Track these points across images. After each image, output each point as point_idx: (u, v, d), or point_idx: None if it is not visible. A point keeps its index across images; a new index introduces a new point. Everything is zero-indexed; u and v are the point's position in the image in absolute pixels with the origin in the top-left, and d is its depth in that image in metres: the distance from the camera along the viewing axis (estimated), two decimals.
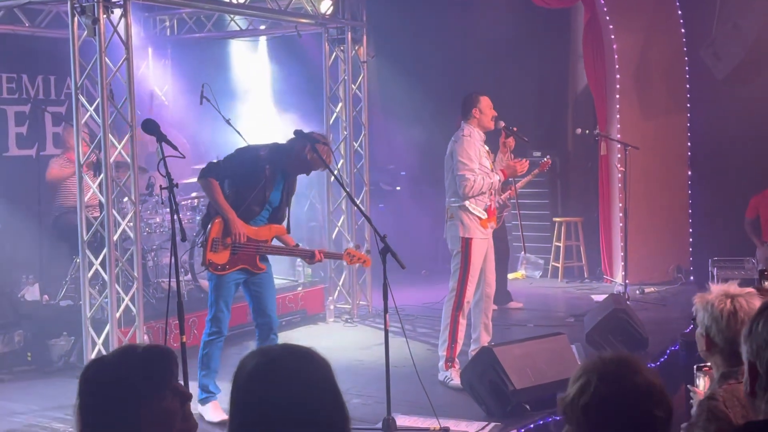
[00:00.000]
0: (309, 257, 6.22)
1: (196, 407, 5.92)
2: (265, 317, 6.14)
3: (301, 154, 6.07)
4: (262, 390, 2.08)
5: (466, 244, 6.82)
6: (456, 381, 6.59)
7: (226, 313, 6.08)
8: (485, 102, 6.97)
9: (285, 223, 6.26)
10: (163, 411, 2.27)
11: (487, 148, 7.05)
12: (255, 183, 6.02)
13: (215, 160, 6.23)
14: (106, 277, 7.09)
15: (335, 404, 2.12)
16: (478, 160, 6.80)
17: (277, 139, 6.43)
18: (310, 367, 2.13)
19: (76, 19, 7.00)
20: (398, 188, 12.44)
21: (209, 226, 6.00)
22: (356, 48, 9.55)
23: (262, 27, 10.46)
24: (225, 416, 5.77)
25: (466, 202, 6.80)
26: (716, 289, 3.31)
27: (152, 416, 2.25)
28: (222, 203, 5.98)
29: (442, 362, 6.84)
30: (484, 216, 6.88)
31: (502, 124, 7.32)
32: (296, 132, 6.17)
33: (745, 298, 3.22)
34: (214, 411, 6.00)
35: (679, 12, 10.62)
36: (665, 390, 2.26)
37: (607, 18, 10.60)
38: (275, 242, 6.22)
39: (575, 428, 2.26)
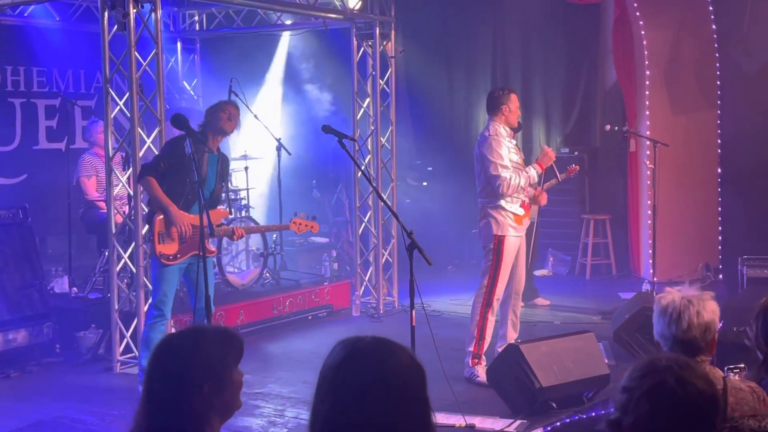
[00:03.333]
0: (230, 235, 6.47)
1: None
2: (202, 302, 6.27)
3: (217, 120, 6.33)
4: (347, 382, 2.02)
5: (499, 241, 6.78)
6: (482, 378, 6.60)
7: (170, 297, 6.31)
8: (515, 99, 6.92)
9: (222, 206, 6.59)
10: (236, 383, 2.44)
11: (514, 142, 7.02)
12: (186, 170, 6.12)
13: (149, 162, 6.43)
14: (134, 269, 7.14)
15: (420, 407, 2.06)
16: (508, 156, 6.76)
17: (300, 133, 6.48)
18: (401, 362, 2.06)
19: (106, 13, 7.05)
20: (425, 184, 12.42)
21: (153, 222, 6.22)
22: (384, 43, 9.54)
23: (290, 22, 10.47)
24: None
25: (502, 201, 6.76)
26: (672, 291, 3.32)
27: (231, 385, 2.41)
28: (162, 199, 6.18)
29: (468, 358, 6.82)
30: (521, 212, 6.85)
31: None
32: (323, 127, 6.18)
33: (695, 303, 3.21)
34: None
35: (710, 8, 10.51)
36: (722, 403, 2.31)
37: (637, 14, 10.52)
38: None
39: (630, 423, 2.23)
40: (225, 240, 8.59)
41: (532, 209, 9.01)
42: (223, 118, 6.35)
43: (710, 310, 3.21)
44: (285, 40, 11.60)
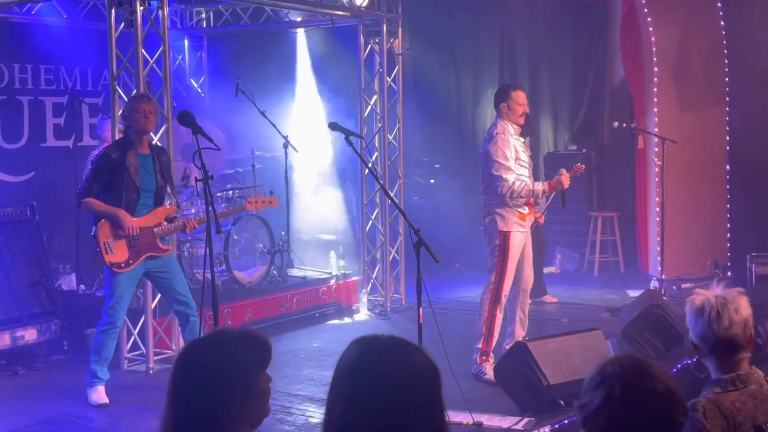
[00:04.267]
0: (182, 229, 6.46)
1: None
2: (181, 304, 6.38)
3: (135, 122, 6.25)
4: (363, 382, 2.02)
5: (504, 237, 6.74)
6: (489, 375, 6.57)
7: (123, 305, 6.31)
8: (516, 97, 6.78)
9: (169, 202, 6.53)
10: (265, 389, 2.40)
11: (522, 140, 6.97)
12: (120, 179, 6.18)
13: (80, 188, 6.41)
14: None
15: (435, 408, 2.06)
16: (514, 156, 6.69)
17: (309, 128, 6.46)
18: (416, 363, 2.05)
19: (113, 11, 7.05)
20: (432, 181, 12.41)
21: (96, 235, 6.21)
22: (391, 40, 9.53)
23: (298, 19, 10.46)
24: (106, 400, 6.19)
25: (506, 199, 6.71)
26: (703, 292, 3.26)
27: (260, 392, 2.37)
28: (105, 209, 6.20)
29: (476, 355, 6.79)
30: (526, 211, 6.81)
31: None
32: (330, 124, 6.16)
33: (731, 301, 3.17)
34: (97, 394, 6.24)
35: (719, 4, 10.47)
36: (681, 394, 2.31)
37: (645, 10, 10.48)
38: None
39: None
40: (232, 237, 8.59)
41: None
42: (140, 119, 6.26)
43: (745, 305, 3.19)
44: (292, 37, 11.58)
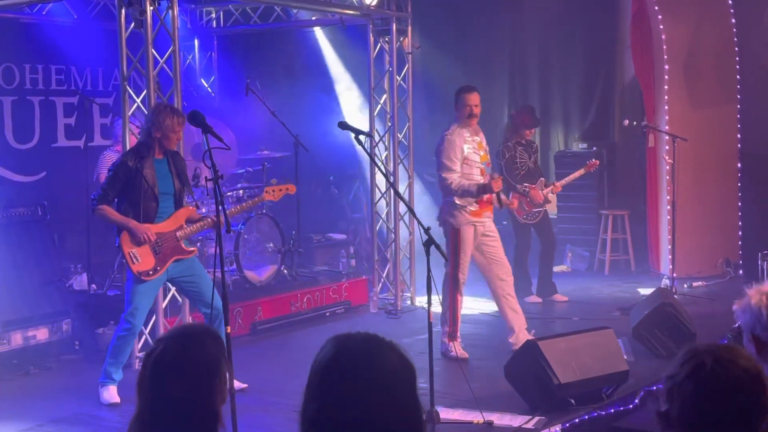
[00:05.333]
0: (211, 224, 6.38)
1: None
2: (209, 306, 6.25)
3: (155, 129, 6.19)
4: (336, 381, 2.04)
5: (455, 234, 7.19)
6: (455, 353, 7.05)
7: (143, 312, 6.31)
8: (465, 99, 7.28)
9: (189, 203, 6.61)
10: (227, 376, 2.59)
11: (478, 139, 7.33)
12: (137, 187, 6.17)
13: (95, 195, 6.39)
14: None
15: (410, 407, 2.05)
16: (460, 158, 7.12)
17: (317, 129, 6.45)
18: (390, 362, 2.06)
19: (123, 11, 7.07)
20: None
21: (119, 244, 6.19)
22: (401, 39, 9.52)
23: (315, 17, 10.45)
24: (117, 399, 6.20)
25: (455, 198, 7.13)
26: (751, 290, 3.26)
27: (225, 378, 2.56)
28: (118, 219, 6.20)
29: (444, 337, 7.24)
30: (475, 207, 7.18)
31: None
32: (340, 123, 6.16)
33: None
34: (109, 394, 6.26)
35: (729, 1, 10.43)
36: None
37: (656, 8, 10.45)
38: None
39: (677, 410, 2.24)
40: (243, 236, 8.61)
41: (547, 199, 9.18)
42: (173, 138, 6.25)
43: None
44: (302, 36, 11.60)
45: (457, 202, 7.14)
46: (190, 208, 6.52)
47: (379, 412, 1.99)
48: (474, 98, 7.30)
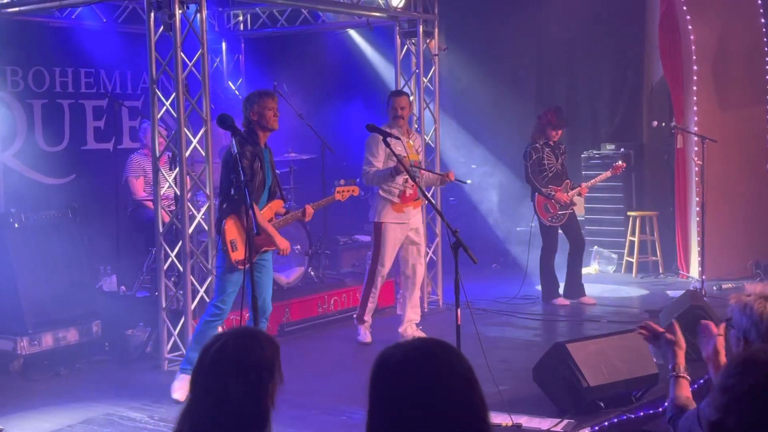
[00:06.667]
0: (302, 216, 6.52)
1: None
2: (260, 301, 6.24)
3: (251, 113, 6.25)
4: (401, 386, 2.06)
5: (378, 227, 7.80)
6: (362, 336, 7.91)
7: (232, 298, 6.29)
8: (393, 102, 7.69)
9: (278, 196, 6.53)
10: (275, 388, 2.56)
11: (408, 140, 7.71)
12: (252, 179, 6.13)
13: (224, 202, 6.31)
14: (181, 268, 7.20)
15: (477, 402, 2.10)
16: (384, 154, 7.55)
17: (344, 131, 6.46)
18: (453, 364, 2.11)
19: (152, 14, 7.11)
20: (469, 181, 12.39)
21: (222, 228, 6.17)
22: (428, 41, 9.51)
23: (342, 19, 10.47)
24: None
25: (378, 189, 7.73)
26: (753, 289, 3.20)
27: (276, 383, 2.56)
28: (263, 223, 6.12)
29: (355, 318, 8.08)
30: (397, 201, 7.70)
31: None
32: (368, 126, 6.20)
33: None
34: (181, 384, 6.30)
35: (759, 1, 10.35)
36: None
37: (684, 8, 10.39)
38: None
39: (734, 422, 2.17)
40: None
41: (573, 201, 9.19)
42: (270, 117, 6.29)
43: None
44: (329, 38, 11.62)
45: (381, 195, 7.68)
46: (280, 201, 6.52)
47: (447, 414, 2.03)
48: (404, 101, 7.75)
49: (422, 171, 7.86)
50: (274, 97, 6.40)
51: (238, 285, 6.23)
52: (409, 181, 7.39)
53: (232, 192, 6.00)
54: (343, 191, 7.09)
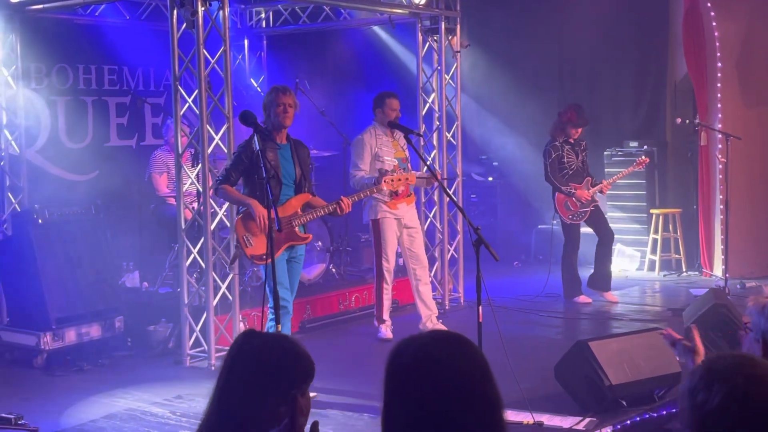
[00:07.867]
0: (336, 209, 6.42)
1: None
2: (285, 291, 6.25)
3: (275, 116, 6.26)
4: (418, 380, 2.06)
5: (375, 224, 7.88)
6: (383, 334, 7.93)
7: (285, 285, 6.22)
8: (389, 103, 7.76)
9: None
10: (306, 407, 2.48)
11: (395, 139, 7.75)
12: (260, 170, 6.02)
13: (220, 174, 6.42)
14: (203, 265, 7.23)
15: (490, 390, 2.10)
16: (370, 157, 7.69)
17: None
18: (467, 356, 2.11)
19: (175, 12, 7.14)
20: (491, 179, 12.36)
21: (234, 228, 6.22)
22: (450, 38, 9.50)
23: (363, 16, 10.47)
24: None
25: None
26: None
27: (301, 409, 2.43)
28: (239, 198, 6.24)
29: (375, 320, 8.10)
30: (388, 199, 7.78)
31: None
32: (390, 123, 6.20)
33: None
34: None
35: None
36: None
37: (708, 5, 10.31)
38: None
39: None
40: None
41: (594, 198, 9.15)
42: (279, 113, 6.28)
43: None
44: (351, 35, 11.62)
45: (375, 195, 7.62)
46: (308, 194, 6.47)
47: (463, 407, 2.03)
48: (397, 104, 7.81)
49: (411, 171, 7.73)
50: (286, 91, 6.36)
51: (281, 272, 6.21)
52: (397, 182, 7.19)
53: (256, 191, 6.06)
54: (392, 180, 7.09)
